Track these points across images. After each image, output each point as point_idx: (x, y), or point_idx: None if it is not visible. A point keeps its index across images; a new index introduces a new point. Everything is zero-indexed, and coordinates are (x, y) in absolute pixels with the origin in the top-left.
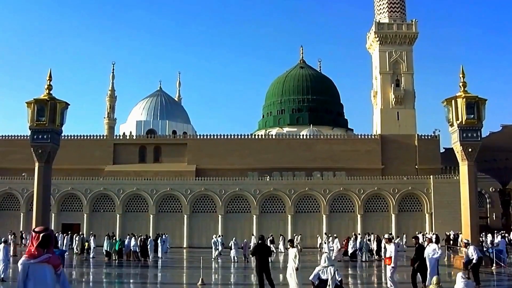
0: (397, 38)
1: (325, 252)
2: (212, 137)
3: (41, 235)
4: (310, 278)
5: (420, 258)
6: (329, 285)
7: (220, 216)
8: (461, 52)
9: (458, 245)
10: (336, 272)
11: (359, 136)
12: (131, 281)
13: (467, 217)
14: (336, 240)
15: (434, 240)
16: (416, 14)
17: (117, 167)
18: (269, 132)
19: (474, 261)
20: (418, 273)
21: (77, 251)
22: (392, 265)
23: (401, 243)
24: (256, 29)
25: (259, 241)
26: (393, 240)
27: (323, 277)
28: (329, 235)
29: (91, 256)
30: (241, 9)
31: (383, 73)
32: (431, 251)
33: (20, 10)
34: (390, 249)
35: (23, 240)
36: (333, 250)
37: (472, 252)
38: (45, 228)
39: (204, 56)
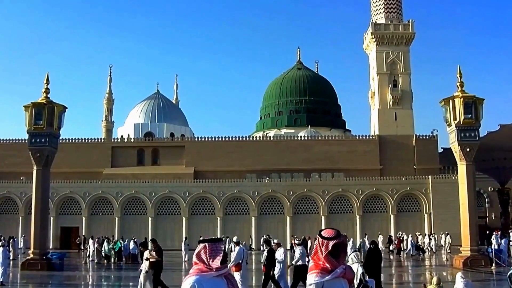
0: (394, 39)
1: (354, 252)
2: (210, 139)
3: (330, 243)
4: None
5: (272, 263)
6: (356, 279)
7: (218, 218)
8: (459, 52)
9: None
10: (358, 268)
11: (357, 137)
12: (130, 284)
13: (466, 217)
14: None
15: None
16: (412, 14)
17: (115, 170)
18: (267, 133)
19: (299, 262)
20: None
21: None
22: (240, 273)
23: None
24: (253, 30)
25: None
26: (240, 244)
27: None
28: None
29: (90, 259)
30: (238, 11)
31: (380, 73)
32: (279, 255)
33: (17, 13)
34: (234, 254)
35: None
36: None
37: (298, 255)
38: (336, 233)
39: (201, 58)
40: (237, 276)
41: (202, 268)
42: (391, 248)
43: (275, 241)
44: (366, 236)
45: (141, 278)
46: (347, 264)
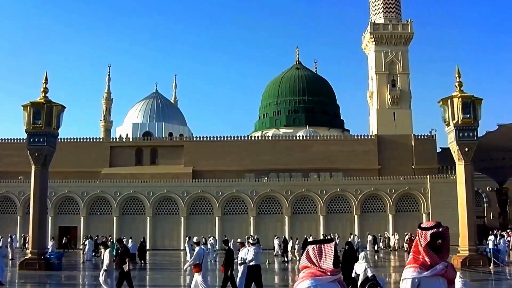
0: (392, 39)
1: (363, 251)
2: (208, 139)
3: (428, 233)
4: (353, 275)
5: (231, 264)
6: (361, 278)
7: (217, 218)
8: (457, 51)
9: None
10: (367, 268)
11: (356, 137)
12: None
13: (464, 216)
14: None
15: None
16: (411, 14)
17: (113, 169)
18: (265, 133)
19: (252, 262)
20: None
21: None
22: (200, 274)
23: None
24: (251, 30)
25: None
26: (201, 244)
27: (358, 272)
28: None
29: (86, 259)
30: (236, 11)
31: (379, 73)
32: (243, 254)
33: (16, 13)
34: (195, 253)
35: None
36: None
37: (252, 255)
38: (436, 223)
39: (200, 58)
40: (198, 277)
41: (315, 272)
42: (375, 248)
43: (239, 240)
44: (356, 236)
45: (103, 277)
46: (449, 262)
